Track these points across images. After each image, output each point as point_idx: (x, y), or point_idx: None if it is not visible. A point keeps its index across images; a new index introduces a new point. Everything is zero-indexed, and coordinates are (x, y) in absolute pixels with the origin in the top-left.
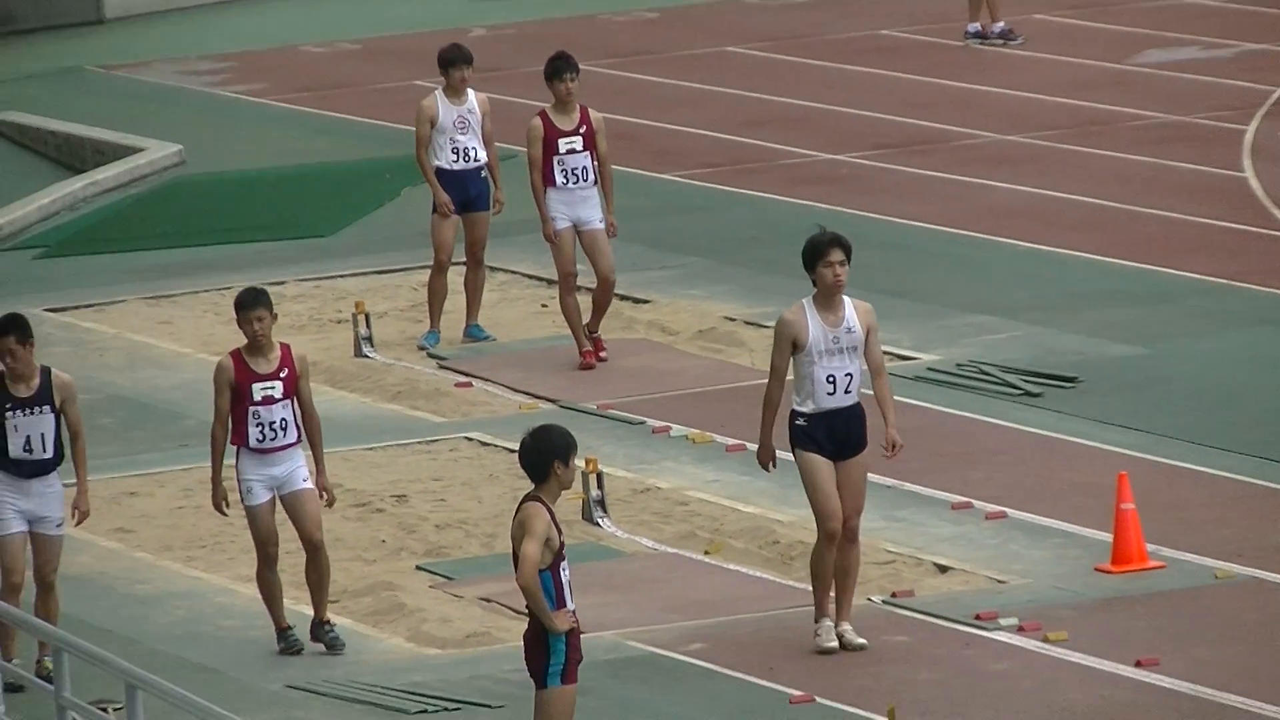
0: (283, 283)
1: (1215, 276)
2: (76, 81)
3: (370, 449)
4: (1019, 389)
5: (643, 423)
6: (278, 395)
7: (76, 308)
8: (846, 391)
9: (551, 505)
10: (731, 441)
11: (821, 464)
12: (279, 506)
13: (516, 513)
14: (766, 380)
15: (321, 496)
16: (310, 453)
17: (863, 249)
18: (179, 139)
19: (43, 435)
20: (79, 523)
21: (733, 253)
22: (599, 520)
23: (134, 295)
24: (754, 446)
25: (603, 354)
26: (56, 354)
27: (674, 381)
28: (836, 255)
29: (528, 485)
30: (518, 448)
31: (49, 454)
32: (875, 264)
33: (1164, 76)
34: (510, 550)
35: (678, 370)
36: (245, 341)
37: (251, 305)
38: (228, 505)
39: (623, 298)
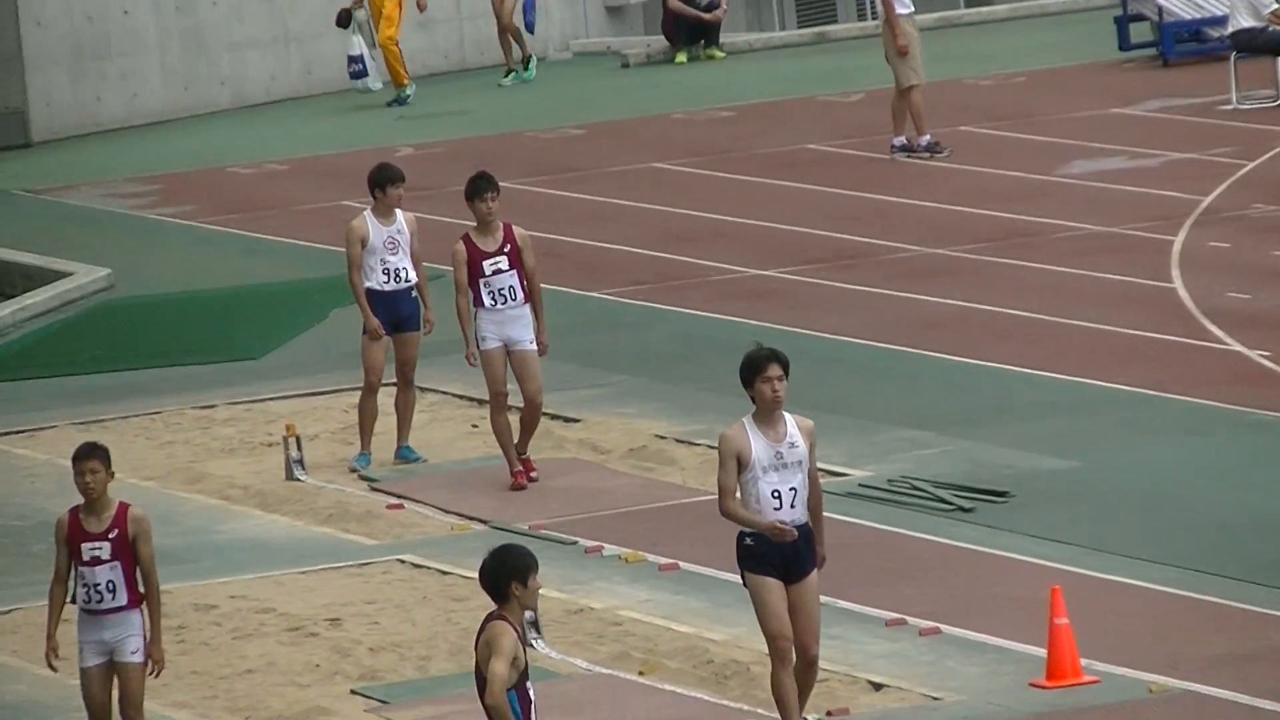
0: (213, 405)
1: (1145, 387)
2: (3, 205)
3: (303, 572)
4: (951, 504)
5: (575, 542)
6: (104, 556)
7: (7, 433)
8: (793, 506)
9: (515, 624)
10: (664, 560)
11: (772, 585)
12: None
13: (481, 631)
14: (715, 499)
15: (149, 669)
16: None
17: (792, 363)
18: (107, 262)
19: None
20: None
21: (663, 370)
22: (533, 641)
23: (64, 420)
24: (687, 565)
25: (533, 474)
26: None
27: (606, 501)
28: (774, 371)
29: (461, 607)
30: (479, 568)
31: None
32: (805, 379)
33: (1091, 187)
34: (474, 669)
35: (609, 489)
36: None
37: (85, 457)
38: (57, 657)
39: (553, 416)
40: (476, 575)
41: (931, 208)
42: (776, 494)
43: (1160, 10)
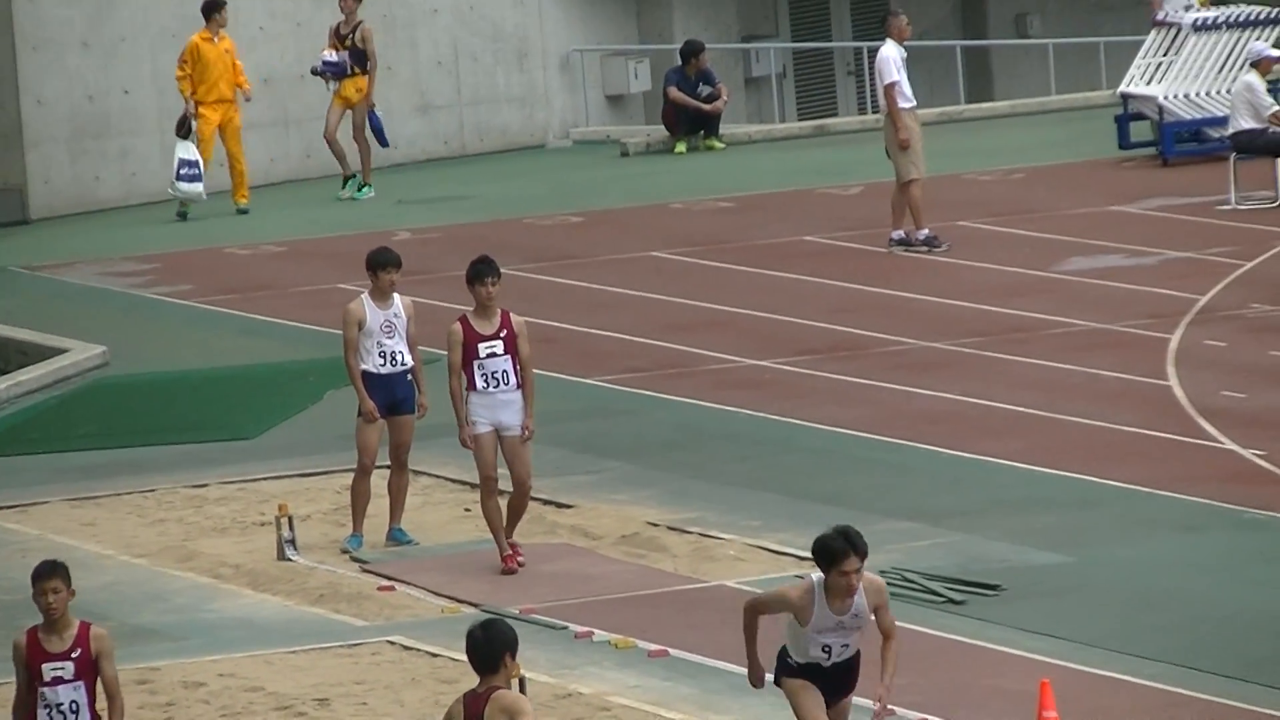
0: (205, 485)
1: (1139, 484)
2: (0, 281)
3: (292, 652)
4: (942, 596)
5: (565, 627)
6: (67, 676)
7: None
8: (842, 658)
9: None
10: (654, 647)
11: (813, 690)
12: None
13: (479, 705)
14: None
15: None
16: None
17: (786, 454)
18: (103, 340)
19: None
20: None
21: (656, 457)
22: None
23: (57, 496)
24: (676, 652)
25: (520, 559)
26: None
27: (597, 586)
28: (852, 564)
29: (450, 689)
30: (466, 641)
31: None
32: (799, 469)
33: (1089, 284)
34: None
35: (601, 575)
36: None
37: (47, 576)
38: None
39: (545, 502)
40: (465, 649)
41: (929, 301)
42: (827, 649)
43: (1161, 110)
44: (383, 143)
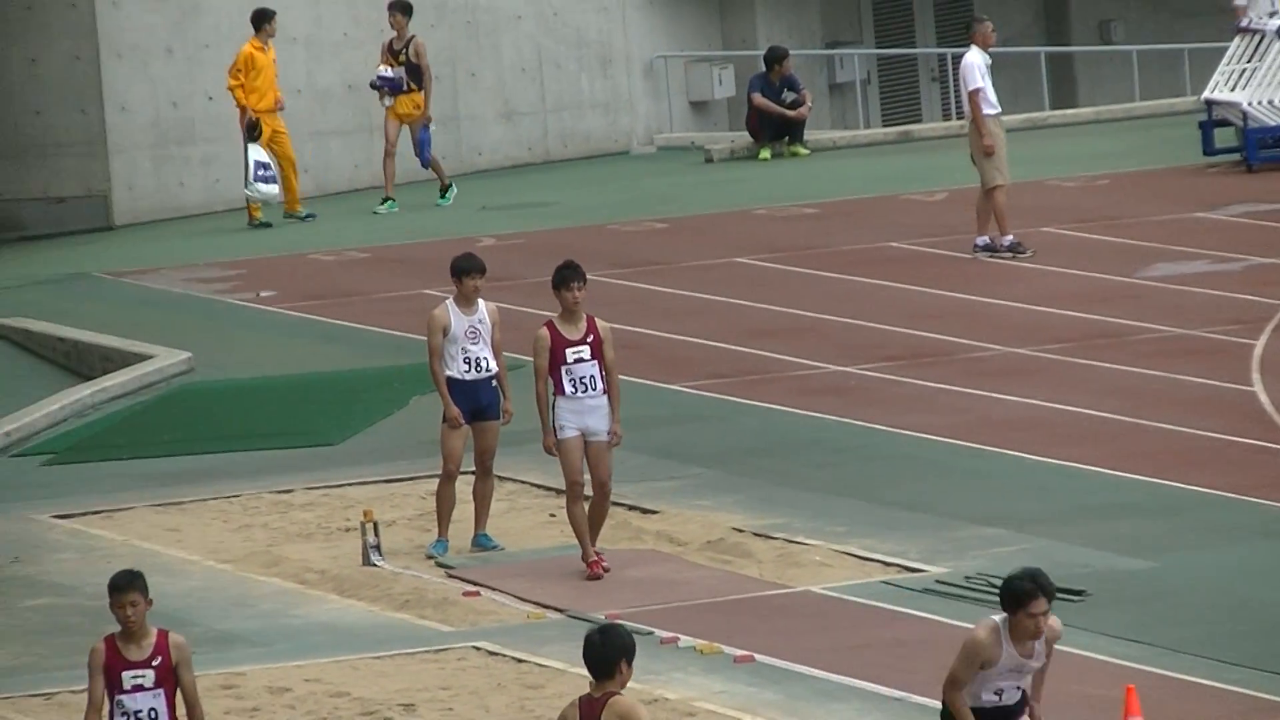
0: (290, 490)
1: (1223, 490)
2: (85, 287)
3: (378, 657)
4: None
5: (651, 633)
6: (148, 684)
7: (84, 514)
8: (1010, 701)
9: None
10: (739, 652)
11: None
12: None
13: (597, 709)
14: (947, 695)
15: None
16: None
17: (870, 461)
18: (187, 346)
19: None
20: None
21: (740, 463)
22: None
23: (142, 502)
24: (762, 657)
25: (605, 565)
26: (64, 560)
27: (682, 592)
28: (1040, 606)
29: (536, 694)
30: (584, 645)
31: None
32: (882, 475)
33: (1173, 290)
34: None
35: (686, 581)
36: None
37: (125, 589)
38: None
39: (630, 508)
40: (582, 653)
41: (1013, 307)
42: (999, 691)
43: (1245, 116)
44: (423, 160)
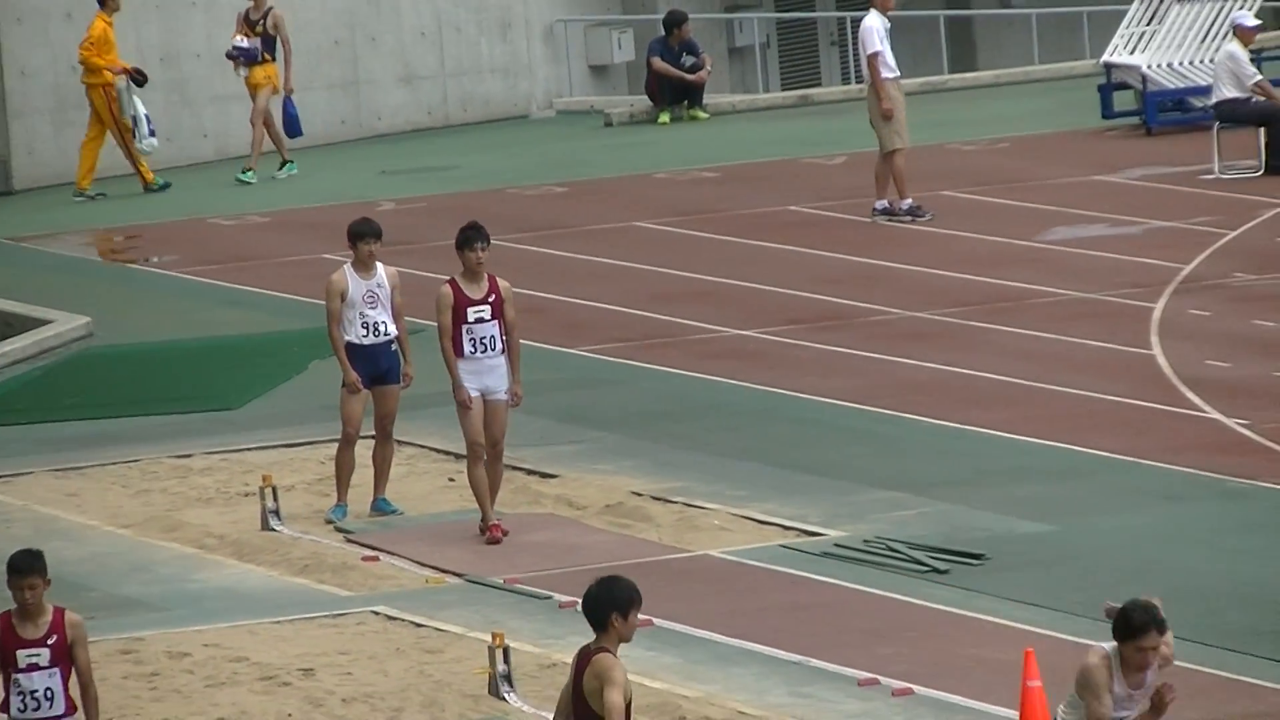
0: (190, 455)
1: (1123, 454)
2: None
3: (277, 622)
4: (926, 566)
5: (550, 597)
6: (43, 663)
7: None
8: None
9: (615, 654)
10: (640, 618)
11: None
12: None
13: (582, 663)
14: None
15: None
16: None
17: (770, 424)
18: (87, 311)
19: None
20: None
21: (641, 428)
22: (505, 695)
23: (41, 467)
24: (661, 622)
25: (504, 529)
26: None
27: (581, 556)
28: (1152, 640)
29: (434, 659)
30: (583, 595)
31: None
32: (784, 439)
33: (1073, 254)
34: (573, 699)
35: (585, 545)
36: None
37: (25, 572)
38: None
39: (530, 472)
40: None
41: (913, 271)
42: None
43: (1144, 79)
44: (293, 132)
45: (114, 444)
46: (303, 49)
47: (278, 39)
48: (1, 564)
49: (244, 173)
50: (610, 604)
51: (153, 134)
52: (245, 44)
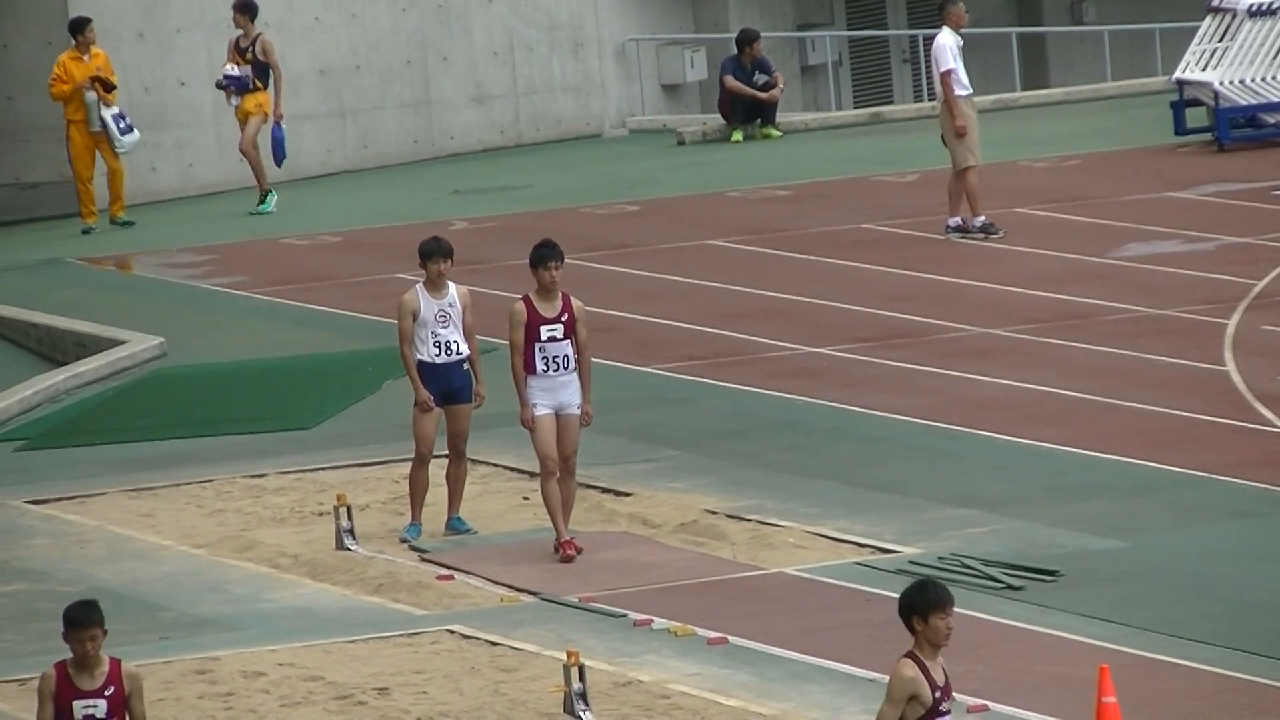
0: (264, 475)
1: (1195, 470)
2: (58, 273)
3: (351, 641)
4: (1000, 582)
5: (624, 615)
6: (99, 715)
7: (58, 500)
8: None
9: (924, 658)
10: (713, 634)
11: None
12: None
13: None
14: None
15: None
16: None
17: (842, 442)
18: (160, 331)
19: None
20: None
21: (713, 445)
22: (581, 714)
23: (115, 487)
24: (735, 639)
25: (578, 546)
26: (37, 546)
27: (655, 574)
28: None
29: (509, 678)
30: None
31: None
32: (855, 456)
33: (1144, 270)
34: None
35: (659, 563)
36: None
37: (85, 624)
38: None
39: (604, 490)
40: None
41: (985, 288)
42: None
43: (1216, 95)
44: (278, 158)
45: (187, 464)
46: (374, 69)
47: (269, 64)
48: (53, 610)
49: (260, 204)
50: (907, 606)
51: (130, 130)
52: (236, 72)
